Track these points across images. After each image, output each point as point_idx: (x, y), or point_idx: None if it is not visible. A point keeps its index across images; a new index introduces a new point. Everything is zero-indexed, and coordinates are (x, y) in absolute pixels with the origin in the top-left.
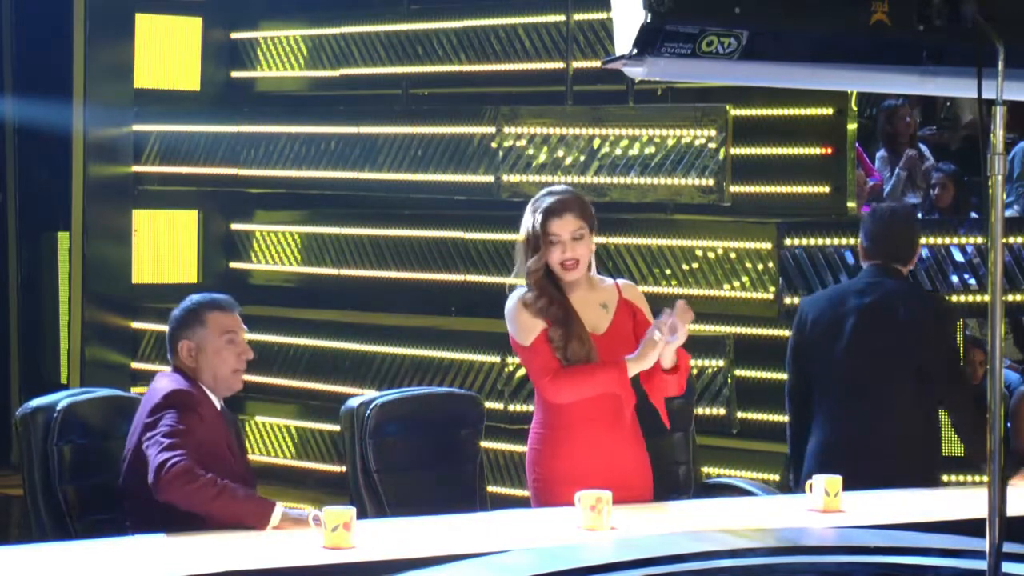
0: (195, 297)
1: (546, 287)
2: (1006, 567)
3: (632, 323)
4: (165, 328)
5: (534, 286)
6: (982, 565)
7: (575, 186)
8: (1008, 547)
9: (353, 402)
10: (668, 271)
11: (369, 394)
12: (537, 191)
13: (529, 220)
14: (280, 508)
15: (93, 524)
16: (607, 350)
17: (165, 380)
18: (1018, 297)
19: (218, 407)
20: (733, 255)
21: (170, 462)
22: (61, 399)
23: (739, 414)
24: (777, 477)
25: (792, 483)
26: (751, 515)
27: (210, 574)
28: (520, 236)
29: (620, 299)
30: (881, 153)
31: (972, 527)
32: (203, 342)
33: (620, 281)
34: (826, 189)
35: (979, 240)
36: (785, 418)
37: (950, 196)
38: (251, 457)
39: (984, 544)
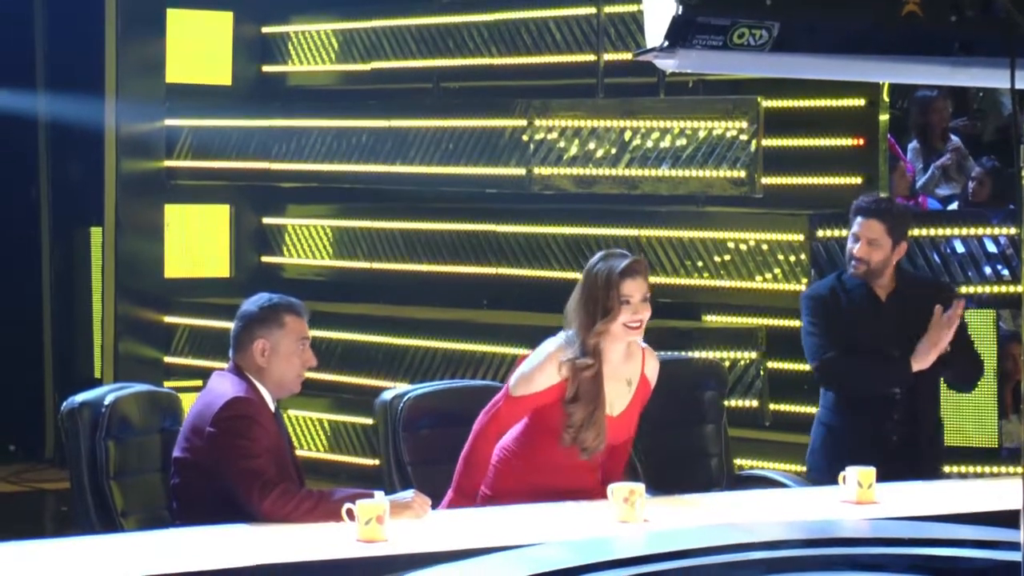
0: (271, 297)
1: (598, 356)
2: None
3: (640, 403)
4: (197, 322)
5: (592, 350)
6: (1016, 556)
7: (607, 179)
8: None
9: (387, 395)
10: (700, 263)
11: (403, 387)
12: (569, 184)
13: (601, 279)
14: (381, 496)
15: (140, 518)
16: (612, 432)
17: (226, 383)
18: None
19: (272, 409)
20: (765, 247)
21: (265, 488)
22: (106, 394)
23: (771, 406)
24: None
25: None
26: (784, 507)
27: (246, 567)
28: (578, 297)
29: (642, 375)
30: (913, 144)
31: (1006, 519)
32: (279, 344)
33: (647, 349)
34: (858, 180)
35: (1012, 231)
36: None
37: (986, 192)
38: None
39: (1018, 535)
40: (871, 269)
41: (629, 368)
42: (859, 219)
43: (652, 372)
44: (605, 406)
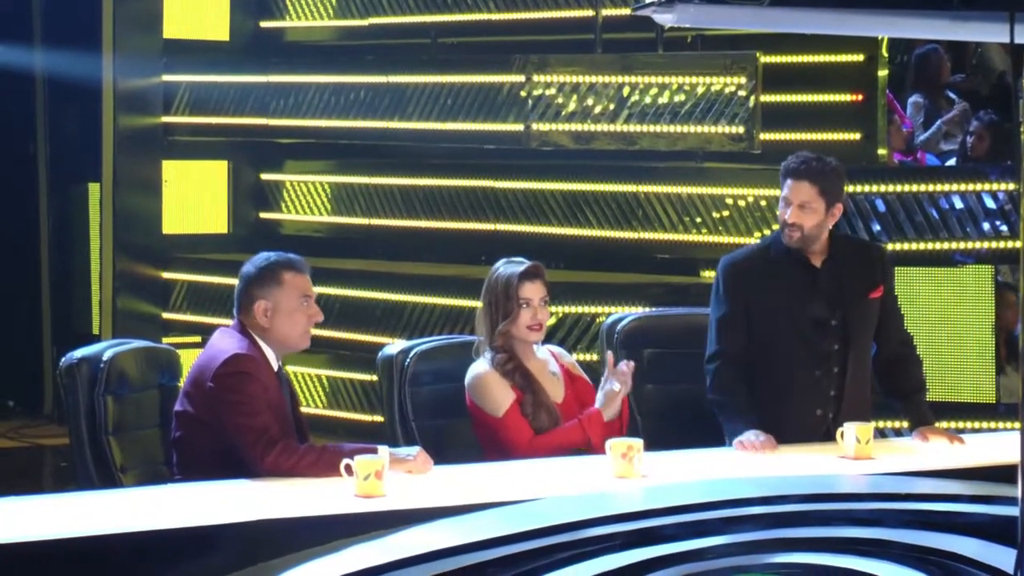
0: (269, 256)
1: (513, 351)
2: None
3: (574, 389)
4: (195, 278)
5: (502, 348)
6: (1013, 511)
7: (605, 134)
8: None
9: (391, 350)
10: (699, 219)
11: (405, 342)
12: (567, 140)
13: (501, 284)
14: (384, 450)
15: (139, 474)
16: (566, 418)
17: (228, 340)
18: None
19: (275, 368)
20: (763, 203)
21: (269, 446)
22: (104, 350)
23: None
24: None
25: None
26: (782, 462)
27: (244, 522)
28: (481, 304)
29: (561, 367)
30: (913, 99)
31: (1003, 474)
32: (279, 303)
33: (551, 348)
34: (856, 136)
35: (1011, 187)
36: None
37: (985, 146)
38: None
39: (1015, 490)
40: (805, 235)
41: (544, 363)
42: (788, 181)
43: (567, 361)
44: (545, 392)
